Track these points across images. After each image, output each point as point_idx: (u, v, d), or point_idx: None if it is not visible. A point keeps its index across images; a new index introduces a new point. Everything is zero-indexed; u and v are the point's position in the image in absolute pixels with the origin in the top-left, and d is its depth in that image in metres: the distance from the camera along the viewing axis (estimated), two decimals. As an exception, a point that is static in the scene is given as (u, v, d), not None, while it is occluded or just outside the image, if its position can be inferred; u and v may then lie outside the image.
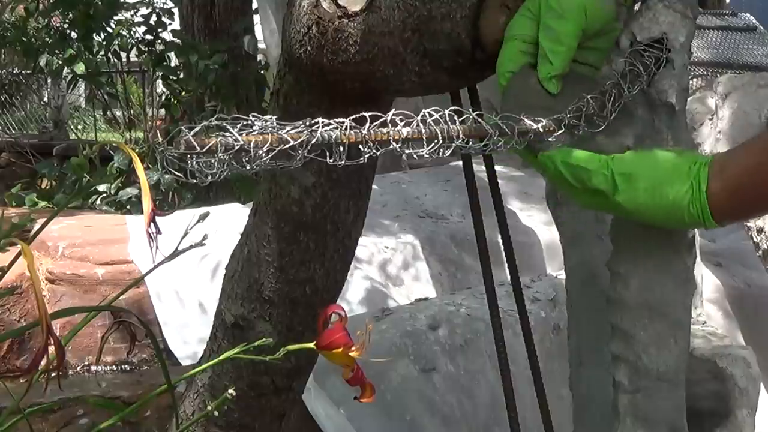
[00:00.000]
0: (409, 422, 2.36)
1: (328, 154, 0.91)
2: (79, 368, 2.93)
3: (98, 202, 4.98)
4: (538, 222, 3.89)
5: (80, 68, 5.66)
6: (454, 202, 3.98)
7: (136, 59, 6.41)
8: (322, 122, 0.90)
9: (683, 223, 1.01)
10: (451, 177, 4.19)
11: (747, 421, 2.34)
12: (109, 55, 5.90)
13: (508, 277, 1.56)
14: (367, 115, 0.92)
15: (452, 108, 0.98)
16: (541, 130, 1.03)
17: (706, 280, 3.10)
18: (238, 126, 0.86)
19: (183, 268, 3.08)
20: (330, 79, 1.20)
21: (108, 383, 2.78)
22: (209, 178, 0.85)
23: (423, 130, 0.95)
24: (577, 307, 1.66)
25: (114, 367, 2.96)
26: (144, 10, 6.18)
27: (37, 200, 5.33)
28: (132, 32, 6.12)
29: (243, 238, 1.49)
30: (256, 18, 5.87)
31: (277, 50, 3.00)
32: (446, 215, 3.94)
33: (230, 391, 0.97)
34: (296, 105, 1.31)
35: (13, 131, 9.17)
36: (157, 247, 0.92)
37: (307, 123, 0.90)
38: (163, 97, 6.06)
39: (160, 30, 5.93)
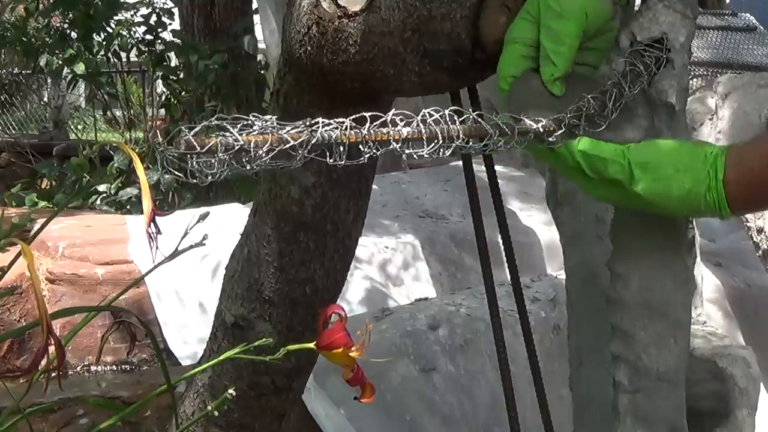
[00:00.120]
0: (409, 422, 2.36)
1: (328, 154, 0.91)
2: (79, 368, 2.93)
3: (98, 202, 4.98)
4: (538, 222, 3.89)
5: (80, 68, 5.66)
6: (454, 202, 3.98)
7: (136, 59, 6.40)
8: (322, 122, 0.90)
9: (699, 212, 1.01)
10: (451, 177, 4.19)
11: (747, 421, 2.34)
12: (109, 55, 5.90)
13: (508, 277, 1.56)
14: (367, 115, 0.92)
15: (452, 108, 0.98)
16: (541, 129, 1.03)
17: (706, 280, 3.10)
18: (239, 126, 0.86)
19: (183, 268, 3.08)
20: (330, 79, 1.20)
21: (108, 383, 2.78)
22: (209, 178, 0.84)
23: (423, 130, 0.95)
24: (577, 307, 1.66)
25: (114, 367, 2.96)
26: (144, 10, 6.18)
27: (37, 200, 5.33)
28: (132, 32, 6.12)
29: (243, 238, 1.49)
30: (256, 18, 5.87)
31: (277, 50, 3.00)
32: (446, 215, 3.94)
33: (230, 391, 0.97)
34: (296, 105, 1.31)
35: (13, 131, 9.17)
36: (157, 247, 0.92)
37: (307, 123, 0.90)
38: (163, 97, 6.06)
39: (160, 30, 5.93)
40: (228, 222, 3.06)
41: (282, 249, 1.40)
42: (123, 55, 6.16)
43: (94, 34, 5.79)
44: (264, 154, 0.86)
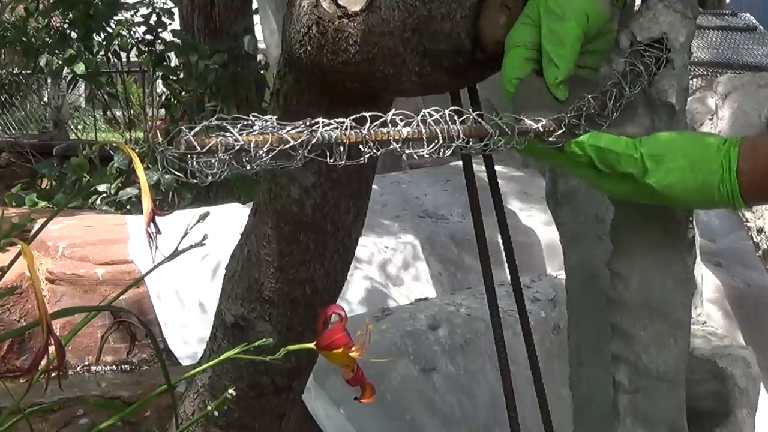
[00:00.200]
0: (409, 422, 2.36)
1: (328, 154, 0.91)
2: (79, 368, 2.93)
3: (98, 202, 4.98)
4: (538, 222, 3.89)
5: (80, 68, 5.66)
6: (454, 202, 3.98)
7: (136, 59, 6.40)
8: (323, 122, 0.90)
9: (712, 204, 1.01)
10: (451, 177, 4.19)
11: (747, 421, 2.34)
12: (109, 55, 5.90)
13: (508, 277, 1.56)
14: (367, 115, 0.92)
15: (452, 108, 0.98)
16: (541, 129, 1.03)
17: (706, 280, 3.10)
18: (239, 126, 0.86)
19: (183, 268, 3.08)
20: (330, 79, 1.20)
21: (108, 383, 2.78)
22: (209, 178, 0.85)
23: (423, 130, 0.95)
24: (577, 307, 1.66)
25: (114, 367, 2.96)
26: (144, 10, 6.18)
27: (37, 200, 5.33)
28: (132, 32, 6.12)
29: (243, 238, 1.49)
30: (256, 18, 5.87)
31: (277, 50, 3.00)
32: (446, 215, 3.94)
33: (230, 391, 0.97)
34: (296, 105, 1.31)
35: (13, 131, 9.17)
36: (157, 247, 0.92)
37: (308, 123, 0.90)
38: (163, 97, 6.06)
39: (160, 30, 5.92)
40: (228, 222, 3.06)
41: (282, 249, 1.40)
42: (123, 55, 6.16)
43: (94, 34, 5.79)
44: (264, 154, 0.86)
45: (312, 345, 0.91)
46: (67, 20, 5.87)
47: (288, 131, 0.88)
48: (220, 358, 1.01)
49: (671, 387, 1.15)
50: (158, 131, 6.05)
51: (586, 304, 1.62)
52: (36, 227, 1.44)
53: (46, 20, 6.18)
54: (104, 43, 5.82)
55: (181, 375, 1.61)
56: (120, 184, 5.03)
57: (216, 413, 0.97)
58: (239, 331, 1.48)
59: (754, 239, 2.80)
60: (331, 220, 1.39)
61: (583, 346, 1.63)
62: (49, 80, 8.82)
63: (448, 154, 0.96)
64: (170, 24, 6.08)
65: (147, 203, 0.90)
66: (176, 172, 0.84)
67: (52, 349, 0.83)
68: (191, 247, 1.03)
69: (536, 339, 1.62)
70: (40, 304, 0.82)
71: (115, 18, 6.07)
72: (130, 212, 4.64)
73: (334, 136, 0.90)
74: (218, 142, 0.84)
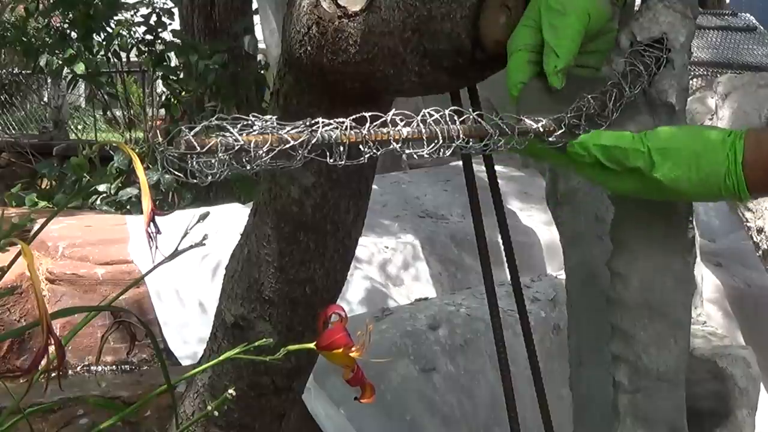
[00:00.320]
0: (409, 422, 2.36)
1: (328, 154, 0.91)
2: (79, 368, 2.93)
3: (98, 202, 4.98)
4: (538, 222, 3.89)
5: (80, 68, 5.66)
6: (454, 202, 3.98)
7: (136, 59, 6.40)
8: (323, 122, 0.90)
9: (718, 196, 1.02)
10: (451, 177, 4.19)
11: (747, 421, 2.34)
12: (109, 55, 5.90)
13: (508, 277, 1.56)
14: (367, 115, 0.92)
15: (452, 108, 0.98)
16: (541, 129, 1.03)
17: (706, 280, 3.10)
18: (239, 126, 0.86)
19: (183, 268, 3.08)
20: (330, 79, 1.20)
21: (108, 383, 2.78)
22: (209, 178, 0.85)
23: (423, 130, 0.95)
24: (577, 307, 1.66)
25: (114, 367, 2.96)
26: (144, 10, 6.18)
27: (37, 200, 5.33)
28: (132, 32, 6.12)
29: (243, 238, 1.49)
30: (256, 18, 5.87)
31: (277, 50, 3.00)
32: (446, 215, 3.94)
33: (230, 391, 0.97)
34: (296, 105, 1.31)
35: (13, 131, 9.17)
36: (157, 247, 0.92)
37: (308, 123, 0.90)
38: (163, 97, 6.06)
39: (160, 30, 5.92)
40: (228, 222, 3.06)
41: (282, 249, 1.40)
42: (123, 55, 6.16)
43: (94, 34, 5.78)
44: (264, 154, 0.86)
45: (312, 345, 0.91)
46: (67, 20, 5.87)
47: (288, 131, 0.88)
48: (220, 358, 1.01)
49: (671, 387, 1.15)
50: (158, 131, 6.05)
51: (586, 304, 1.62)
52: (36, 227, 1.44)
53: (46, 20, 6.18)
54: (104, 43, 5.82)
55: (181, 375, 1.61)
56: (120, 184, 5.02)
57: (216, 413, 0.97)
58: (239, 331, 1.48)
59: (754, 239, 2.80)
60: (331, 220, 1.39)
61: (583, 346, 1.63)
62: (49, 80, 8.82)
63: (448, 154, 0.96)
64: (170, 24, 6.08)
65: (147, 203, 0.90)
66: (176, 172, 0.84)
67: (52, 349, 0.83)
68: (191, 247, 1.03)
69: (536, 339, 1.62)
70: (40, 304, 0.82)
71: (115, 18, 6.07)
72: (130, 212, 4.64)
73: (334, 136, 0.90)
74: (218, 142, 0.84)
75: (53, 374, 0.88)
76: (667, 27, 1.10)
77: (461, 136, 0.96)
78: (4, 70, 9.06)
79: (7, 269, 1.00)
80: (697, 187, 1.01)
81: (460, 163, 1.52)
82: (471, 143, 0.98)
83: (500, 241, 1.52)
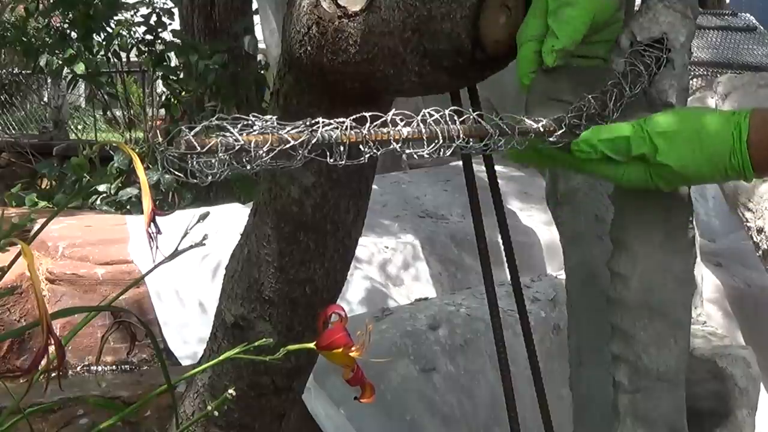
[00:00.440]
0: (409, 422, 2.36)
1: (328, 154, 0.91)
2: (79, 368, 2.92)
3: (98, 202, 4.98)
4: (538, 222, 3.89)
5: (80, 68, 5.65)
6: (454, 202, 3.98)
7: (136, 59, 6.40)
8: (323, 122, 0.90)
9: (724, 176, 1.01)
10: (451, 177, 4.19)
11: (747, 421, 2.34)
12: (109, 55, 5.90)
13: (508, 277, 1.56)
14: (367, 115, 0.92)
15: (452, 108, 0.98)
16: (542, 129, 1.03)
17: (706, 280, 3.10)
18: (239, 126, 0.86)
19: (183, 268, 3.07)
20: (330, 79, 1.20)
21: (108, 383, 2.78)
22: (210, 178, 0.85)
23: (423, 130, 0.95)
24: (577, 307, 1.66)
25: (114, 367, 2.96)
26: (144, 10, 6.18)
27: (37, 200, 5.33)
28: (132, 32, 6.12)
29: (243, 238, 1.49)
30: (256, 18, 5.87)
31: (277, 50, 3.00)
32: (446, 215, 3.94)
33: (230, 391, 0.97)
34: (296, 105, 1.31)
35: (13, 131, 9.17)
36: (157, 247, 0.92)
37: (308, 123, 0.90)
38: (163, 97, 6.06)
39: (160, 30, 5.92)
40: (228, 222, 3.06)
41: (282, 249, 1.40)
42: (123, 55, 6.16)
43: (94, 34, 5.78)
44: (264, 154, 0.86)
45: (312, 345, 0.91)
46: (67, 20, 5.86)
47: (288, 131, 0.88)
48: (220, 358, 1.01)
49: (671, 387, 1.15)
50: (158, 131, 6.05)
51: (586, 304, 1.62)
52: (36, 227, 1.44)
53: (46, 20, 6.18)
54: (104, 43, 5.82)
55: (181, 375, 1.61)
56: (120, 184, 5.02)
57: (216, 413, 0.97)
58: (239, 331, 1.48)
59: (754, 239, 2.80)
60: (331, 220, 1.39)
61: (583, 346, 1.63)
62: (49, 80, 8.82)
63: (448, 154, 0.96)
64: (170, 24, 6.08)
65: (147, 203, 0.90)
66: (176, 172, 0.84)
67: (52, 349, 0.83)
68: (191, 247, 1.03)
69: (536, 339, 1.62)
70: (40, 304, 0.82)
71: (115, 18, 6.07)
72: (130, 212, 4.64)
73: (334, 136, 0.90)
74: (218, 142, 0.84)
75: (53, 374, 0.88)
76: (667, 27, 1.11)
77: (461, 136, 0.96)
78: (4, 70, 9.06)
79: (7, 269, 1.00)
80: (703, 168, 1.00)
81: (460, 163, 1.52)
82: (471, 143, 0.98)
83: (500, 241, 1.52)
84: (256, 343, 0.96)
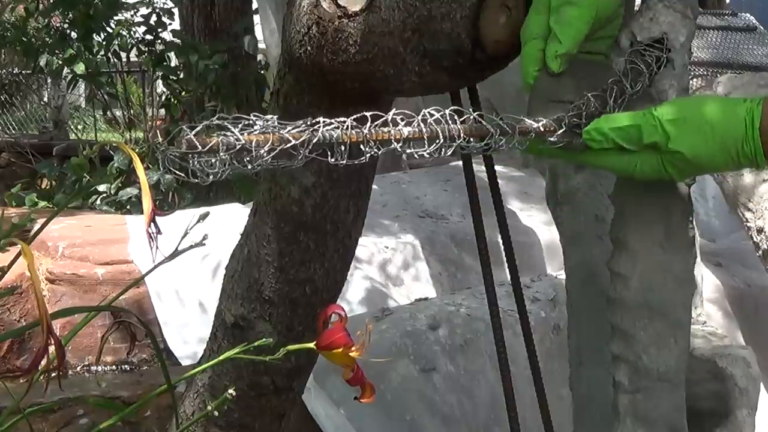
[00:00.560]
0: (409, 422, 2.36)
1: (329, 153, 0.91)
2: (79, 368, 2.93)
3: (98, 202, 4.98)
4: (538, 222, 3.89)
5: (80, 68, 5.65)
6: (454, 202, 3.98)
7: (136, 59, 6.40)
8: (324, 122, 0.90)
9: (737, 164, 1.01)
10: (451, 177, 4.19)
11: (747, 421, 2.34)
12: (109, 55, 5.90)
13: (508, 277, 1.56)
14: (368, 114, 0.92)
15: (453, 108, 0.98)
16: (542, 129, 1.03)
17: (706, 280, 3.10)
18: (240, 125, 0.86)
19: (183, 268, 3.08)
20: (330, 79, 1.20)
21: (108, 383, 2.78)
22: (210, 177, 0.85)
23: (424, 130, 0.95)
24: (577, 307, 1.66)
25: (114, 367, 2.96)
26: (144, 10, 6.18)
27: (37, 200, 5.33)
28: (132, 32, 6.12)
29: (243, 238, 1.49)
30: (256, 18, 5.87)
31: (277, 50, 3.00)
32: (446, 215, 3.94)
33: (230, 391, 0.97)
34: (296, 105, 1.31)
35: (13, 131, 9.17)
36: (157, 247, 0.92)
37: (309, 122, 0.90)
38: (163, 97, 6.06)
39: (160, 30, 5.92)
40: (228, 222, 3.06)
41: (282, 249, 1.40)
42: (123, 55, 6.16)
43: (94, 34, 5.78)
44: (265, 154, 0.86)
45: (312, 345, 0.91)
46: (67, 20, 5.86)
47: (289, 131, 0.88)
48: (220, 358, 1.01)
49: (671, 387, 1.15)
50: (158, 131, 6.05)
51: (586, 304, 1.61)
52: (36, 227, 1.44)
53: (46, 20, 6.18)
54: (104, 43, 5.82)
55: (181, 375, 1.61)
56: (120, 184, 5.02)
57: (216, 413, 0.97)
58: (239, 331, 1.48)
59: (754, 239, 2.80)
60: (331, 220, 1.39)
61: (583, 346, 1.63)
62: (49, 80, 8.82)
63: (449, 154, 0.96)
64: (170, 24, 6.08)
65: (147, 203, 0.90)
66: (177, 172, 0.84)
67: (52, 349, 0.83)
68: (191, 247, 1.03)
69: (536, 339, 1.62)
70: (40, 304, 0.82)
71: (115, 18, 6.07)
72: (130, 212, 4.64)
73: (335, 136, 0.90)
74: (219, 142, 0.84)
75: (53, 374, 0.88)
76: (667, 27, 1.10)
77: (462, 135, 0.96)
78: (4, 70, 9.06)
79: (7, 269, 1.00)
80: (715, 155, 1.00)
81: (460, 163, 1.52)
82: (472, 143, 0.98)
83: (500, 241, 1.52)
84: (256, 343, 0.96)
